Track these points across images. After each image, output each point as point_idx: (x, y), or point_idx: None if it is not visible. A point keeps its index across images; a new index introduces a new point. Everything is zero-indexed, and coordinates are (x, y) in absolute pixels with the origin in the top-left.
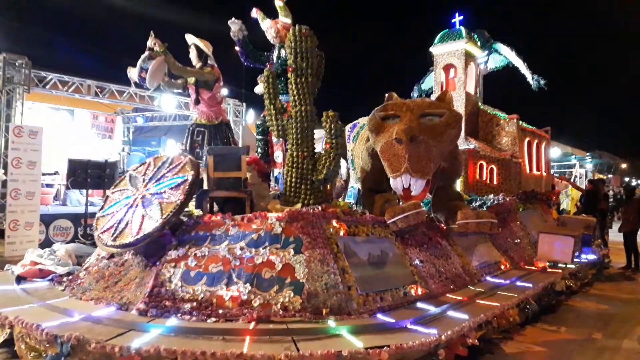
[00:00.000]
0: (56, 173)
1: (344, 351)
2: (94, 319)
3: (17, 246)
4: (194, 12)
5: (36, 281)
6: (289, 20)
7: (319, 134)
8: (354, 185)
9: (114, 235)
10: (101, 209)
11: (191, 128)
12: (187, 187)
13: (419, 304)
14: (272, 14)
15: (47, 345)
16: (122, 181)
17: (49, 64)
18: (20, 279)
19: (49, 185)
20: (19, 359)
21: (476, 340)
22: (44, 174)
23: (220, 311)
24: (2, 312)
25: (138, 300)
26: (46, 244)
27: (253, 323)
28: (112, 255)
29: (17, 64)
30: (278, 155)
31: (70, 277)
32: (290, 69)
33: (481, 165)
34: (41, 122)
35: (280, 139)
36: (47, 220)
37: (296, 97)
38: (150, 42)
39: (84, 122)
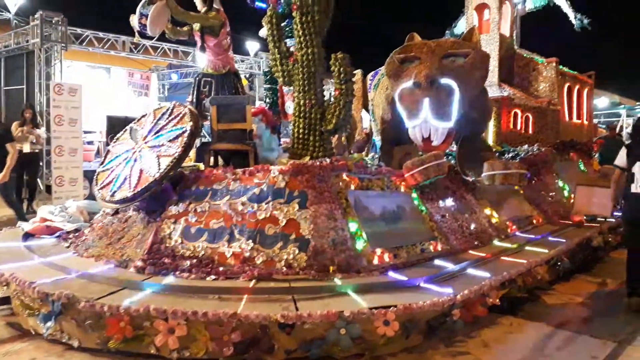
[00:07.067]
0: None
1: (345, 311)
2: (89, 276)
3: (64, 201)
4: None
5: (44, 238)
6: None
7: None
8: (376, 138)
9: (113, 191)
10: (101, 163)
11: (197, 78)
12: (185, 139)
13: (437, 261)
14: None
15: (40, 303)
16: (123, 134)
17: (84, 22)
18: (28, 235)
19: (90, 143)
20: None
21: (497, 300)
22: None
23: (221, 269)
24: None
25: (137, 258)
26: (91, 198)
27: (253, 281)
28: (116, 212)
29: (53, 21)
30: (290, 106)
31: (77, 234)
32: (294, 7)
33: (515, 114)
34: (79, 81)
35: (292, 88)
36: (90, 175)
37: (302, 39)
38: None
39: (121, 79)
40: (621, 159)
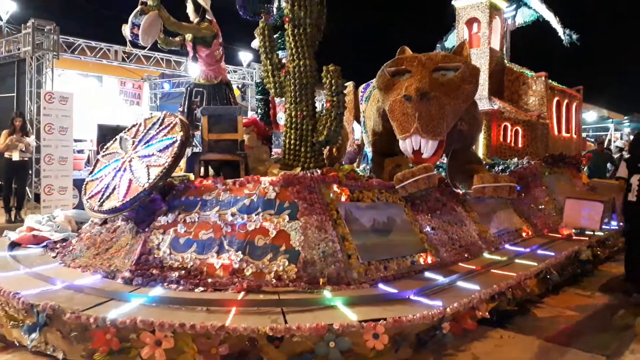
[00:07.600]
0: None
1: (335, 324)
2: (76, 287)
3: (52, 210)
4: None
5: (30, 247)
6: None
7: None
8: (367, 149)
9: (101, 200)
10: (91, 173)
11: (189, 88)
12: (175, 149)
13: (427, 274)
14: None
15: (25, 314)
16: (113, 144)
17: (77, 32)
18: (14, 245)
19: (80, 151)
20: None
21: (487, 313)
22: (75, 141)
23: (210, 280)
24: None
25: (125, 268)
26: (80, 207)
27: (242, 293)
28: (105, 222)
29: (45, 29)
30: (281, 117)
31: (64, 244)
32: (287, 19)
33: (505, 127)
34: (71, 89)
35: (284, 99)
36: (80, 184)
37: (294, 51)
38: None
39: (112, 88)
40: (623, 170)
